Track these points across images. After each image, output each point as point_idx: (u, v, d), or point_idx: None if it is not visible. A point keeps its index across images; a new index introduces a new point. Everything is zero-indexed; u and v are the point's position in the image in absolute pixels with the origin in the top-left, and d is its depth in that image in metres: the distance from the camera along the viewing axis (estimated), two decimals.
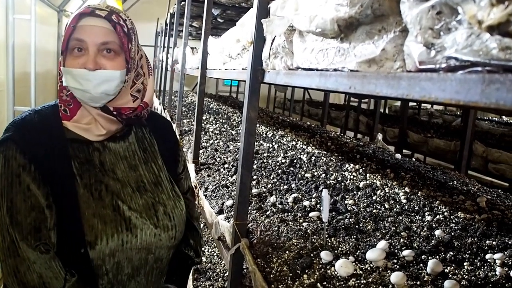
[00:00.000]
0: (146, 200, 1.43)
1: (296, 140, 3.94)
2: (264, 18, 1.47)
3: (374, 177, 2.64)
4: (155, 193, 1.47)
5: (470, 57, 0.60)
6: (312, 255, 1.48)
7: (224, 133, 4.26)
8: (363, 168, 2.84)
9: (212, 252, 3.55)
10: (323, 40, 1.10)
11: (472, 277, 1.38)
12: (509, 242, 1.65)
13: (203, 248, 3.64)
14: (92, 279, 1.33)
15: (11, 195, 1.26)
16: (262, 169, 2.73)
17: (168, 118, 5.19)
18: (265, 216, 1.87)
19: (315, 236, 1.64)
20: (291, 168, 2.79)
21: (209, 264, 3.32)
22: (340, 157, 3.21)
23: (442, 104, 0.77)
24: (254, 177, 2.48)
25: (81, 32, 1.33)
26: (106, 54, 1.36)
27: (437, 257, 1.52)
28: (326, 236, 1.62)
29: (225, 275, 3.12)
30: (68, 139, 1.37)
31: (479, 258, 1.53)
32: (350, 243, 1.59)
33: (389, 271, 1.38)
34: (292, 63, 1.30)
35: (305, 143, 3.80)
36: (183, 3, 5.30)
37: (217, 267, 3.26)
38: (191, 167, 2.86)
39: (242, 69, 2.02)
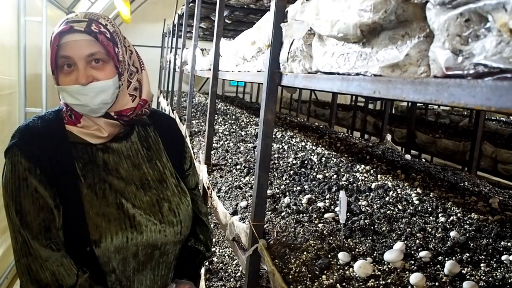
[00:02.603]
0: (151, 197, 1.46)
1: (305, 141, 3.95)
2: (282, 22, 1.49)
3: (385, 178, 2.65)
4: (159, 190, 1.49)
5: (500, 64, 0.61)
6: (329, 256, 1.50)
7: (234, 134, 4.28)
8: (374, 169, 2.85)
9: (223, 253, 3.56)
10: (344, 44, 1.11)
11: (490, 278, 1.39)
12: None
13: (213, 245, 3.66)
14: (100, 276, 1.37)
15: (20, 198, 1.30)
16: (274, 170, 2.74)
17: (177, 119, 5.21)
18: (280, 217, 1.89)
19: (331, 237, 1.65)
20: (303, 169, 2.80)
21: (221, 264, 3.34)
22: (350, 158, 3.23)
23: (472, 109, 0.78)
24: None
25: (66, 49, 1.34)
26: (95, 65, 1.36)
27: (454, 258, 1.53)
28: (343, 237, 1.63)
29: (237, 275, 3.14)
30: (71, 142, 1.40)
31: (495, 259, 1.54)
32: (367, 244, 1.60)
33: (407, 272, 1.40)
34: (311, 67, 1.32)
35: (314, 144, 3.81)
36: (191, 4, 5.32)
37: (229, 267, 3.28)
38: (203, 168, 2.88)
39: (258, 71, 2.04)
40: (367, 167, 2.87)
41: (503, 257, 1.54)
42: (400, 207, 2.10)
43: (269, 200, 2.12)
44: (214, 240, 3.85)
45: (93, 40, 1.35)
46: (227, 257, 3.48)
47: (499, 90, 0.59)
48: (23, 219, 1.29)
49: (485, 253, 1.59)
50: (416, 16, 0.87)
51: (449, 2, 0.70)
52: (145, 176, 1.49)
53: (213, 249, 3.62)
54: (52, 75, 1.41)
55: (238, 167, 2.86)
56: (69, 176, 1.36)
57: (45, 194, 1.32)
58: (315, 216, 1.90)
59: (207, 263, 3.32)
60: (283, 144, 3.68)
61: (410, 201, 2.21)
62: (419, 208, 2.09)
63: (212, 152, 3.27)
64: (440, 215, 1.99)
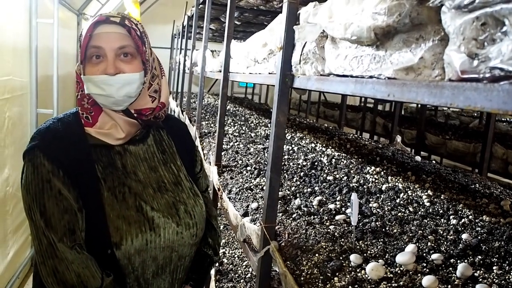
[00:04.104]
0: (167, 199, 1.48)
1: (315, 142, 3.95)
2: (294, 24, 1.49)
3: (396, 180, 2.65)
4: (175, 192, 1.51)
5: None
6: (341, 258, 1.50)
7: (244, 135, 4.28)
8: (384, 171, 2.85)
9: (233, 254, 3.57)
10: (357, 47, 1.11)
11: (502, 281, 1.38)
12: None
13: (222, 248, 3.67)
14: (120, 278, 1.38)
15: (43, 200, 1.30)
16: (284, 171, 2.74)
17: (187, 121, 5.23)
18: (291, 219, 1.89)
19: (342, 239, 1.65)
20: (313, 171, 2.80)
21: (231, 265, 3.35)
22: (360, 159, 3.22)
23: (488, 113, 0.78)
24: None
25: (98, 40, 1.38)
26: (124, 58, 1.41)
27: (466, 261, 1.52)
28: (354, 239, 1.63)
29: (247, 276, 3.14)
30: (91, 145, 1.42)
31: (507, 262, 1.54)
32: (378, 246, 1.60)
33: (419, 274, 1.39)
34: (324, 69, 1.32)
35: (324, 145, 3.81)
36: (201, 6, 5.33)
37: (239, 268, 3.28)
38: (213, 169, 2.89)
39: (269, 73, 2.05)
40: (377, 169, 2.86)
41: None
42: (411, 209, 2.09)
43: (280, 201, 2.12)
44: (224, 241, 3.86)
45: (125, 34, 1.41)
46: (237, 258, 3.49)
47: None
48: (48, 221, 1.29)
49: (497, 255, 1.58)
50: (430, 19, 0.87)
51: (465, 6, 0.70)
52: (162, 179, 1.52)
53: (223, 250, 3.63)
54: (80, 65, 1.43)
55: (248, 168, 2.87)
56: (90, 179, 1.38)
57: (68, 196, 1.32)
58: (326, 218, 1.90)
59: (217, 264, 3.33)
60: (293, 146, 3.68)
61: (421, 203, 2.21)
62: (430, 210, 2.09)
63: (222, 153, 3.28)
64: (451, 217, 1.99)
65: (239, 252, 3.60)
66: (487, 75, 0.67)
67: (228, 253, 3.59)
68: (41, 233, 1.30)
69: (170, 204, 1.47)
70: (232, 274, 3.18)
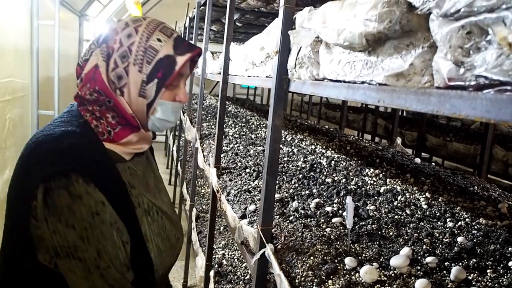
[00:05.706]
0: (172, 215, 1.46)
1: (315, 144, 3.96)
2: (290, 29, 1.50)
3: (395, 182, 2.65)
4: (170, 207, 1.50)
5: (500, 77, 0.62)
6: (336, 261, 1.51)
7: (244, 137, 4.29)
8: (383, 173, 2.85)
9: (232, 255, 3.58)
10: (350, 52, 1.13)
11: (496, 285, 1.39)
12: None
13: (221, 250, 3.68)
14: None
15: (97, 237, 1.13)
16: (283, 173, 2.75)
17: (188, 122, 5.24)
18: (288, 221, 1.90)
19: (338, 242, 1.66)
20: (312, 173, 2.81)
21: (230, 267, 3.36)
22: (359, 161, 3.23)
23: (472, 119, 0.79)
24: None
25: (185, 67, 1.32)
26: None
27: (460, 264, 1.53)
28: (350, 242, 1.64)
29: (246, 278, 3.15)
30: (114, 163, 1.27)
31: (502, 265, 1.54)
32: (374, 249, 1.61)
33: (413, 277, 1.40)
34: (318, 73, 1.33)
35: (324, 147, 3.81)
36: (202, 7, 5.35)
37: (238, 270, 3.29)
38: (213, 171, 2.90)
39: (266, 76, 2.06)
40: (376, 171, 2.87)
41: (510, 263, 1.54)
42: (408, 211, 2.10)
43: (277, 204, 2.13)
44: (223, 243, 3.87)
45: None
46: (236, 260, 3.50)
47: (498, 103, 0.61)
48: (106, 261, 1.13)
49: (492, 259, 1.59)
50: (420, 26, 0.88)
51: (451, 14, 0.71)
52: (162, 192, 1.50)
53: (222, 252, 3.64)
54: (151, 85, 1.26)
55: (247, 170, 2.87)
56: (128, 205, 1.24)
57: (119, 229, 1.18)
58: (322, 220, 1.91)
59: (216, 266, 3.34)
60: (293, 148, 3.69)
61: (418, 205, 2.21)
62: (427, 212, 2.10)
63: (222, 155, 3.29)
64: (448, 220, 1.99)
65: (238, 254, 3.61)
66: (472, 83, 0.68)
67: (228, 254, 3.60)
68: (97, 275, 1.12)
69: (176, 221, 1.46)
70: (231, 276, 3.19)
